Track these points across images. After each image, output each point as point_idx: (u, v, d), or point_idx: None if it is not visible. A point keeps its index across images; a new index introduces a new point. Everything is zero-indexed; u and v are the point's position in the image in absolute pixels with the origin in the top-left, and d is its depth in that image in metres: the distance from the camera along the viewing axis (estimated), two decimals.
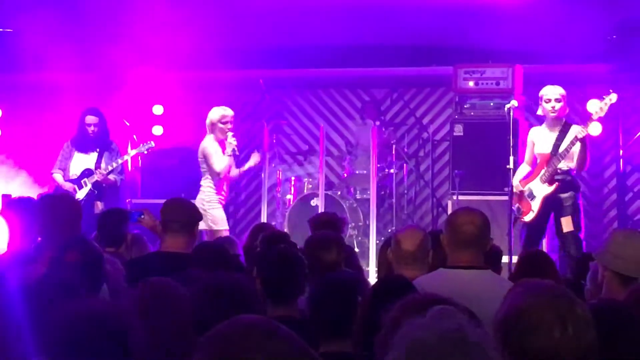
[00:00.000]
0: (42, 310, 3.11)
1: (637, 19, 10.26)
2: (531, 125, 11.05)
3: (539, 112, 9.02)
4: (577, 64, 10.63)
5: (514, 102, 9.14)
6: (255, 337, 1.66)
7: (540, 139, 8.94)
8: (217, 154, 9.22)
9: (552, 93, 8.88)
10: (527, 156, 9.08)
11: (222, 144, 9.26)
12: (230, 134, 9.25)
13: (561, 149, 8.74)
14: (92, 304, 2.88)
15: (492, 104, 10.17)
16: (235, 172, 9.54)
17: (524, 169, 9.03)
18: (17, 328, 3.24)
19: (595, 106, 8.72)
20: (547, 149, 8.85)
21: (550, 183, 8.78)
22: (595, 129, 9.54)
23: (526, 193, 8.91)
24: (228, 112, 9.40)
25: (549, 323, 2.62)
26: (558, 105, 8.83)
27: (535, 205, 8.84)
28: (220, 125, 9.29)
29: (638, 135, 11.07)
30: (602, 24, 10.17)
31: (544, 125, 8.99)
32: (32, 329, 3.16)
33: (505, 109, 9.14)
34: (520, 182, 8.93)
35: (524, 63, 10.29)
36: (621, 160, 11.13)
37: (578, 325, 2.63)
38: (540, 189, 8.83)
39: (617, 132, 10.96)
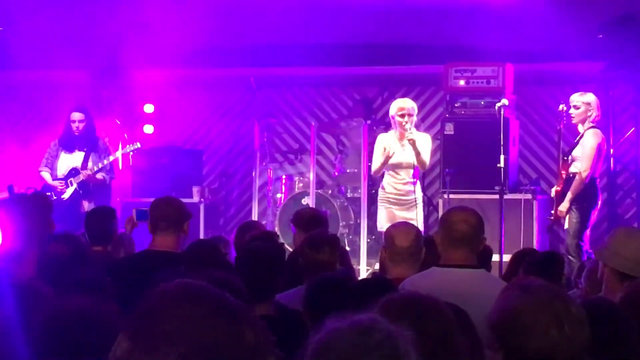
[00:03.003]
0: (31, 309, 3.10)
1: (627, 17, 10.26)
2: (522, 124, 11.09)
3: None
4: (568, 63, 10.64)
5: (504, 101, 9.14)
6: (169, 303, 1.64)
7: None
8: (376, 152, 9.11)
9: (572, 99, 8.89)
10: None
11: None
12: (408, 125, 8.92)
13: (573, 153, 8.77)
14: (78, 301, 2.87)
15: (482, 102, 10.16)
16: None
17: None
18: (6, 327, 3.23)
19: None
20: (566, 153, 8.91)
21: (559, 186, 8.83)
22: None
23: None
24: (405, 103, 9.12)
25: (546, 323, 2.64)
26: (574, 112, 8.82)
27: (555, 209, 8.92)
28: (398, 119, 9.02)
29: (629, 133, 11.08)
30: (592, 22, 10.18)
31: None
32: (21, 328, 3.14)
33: (496, 107, 9.14)
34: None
35: (514, 62, 10.29)
36: (612, 158, 11.14)
37: (574, 324, 2.65)
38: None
39: (607, 131, 10.96)
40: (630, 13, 10.22)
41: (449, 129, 10.26)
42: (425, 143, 9.10)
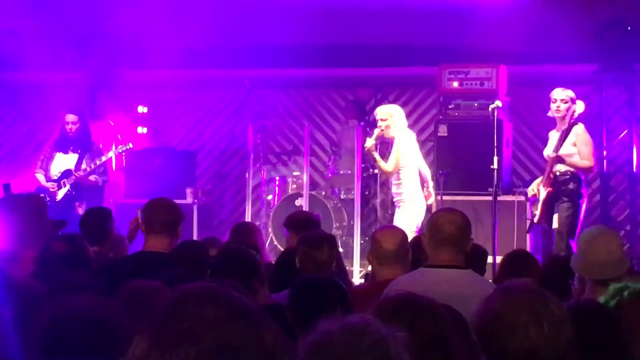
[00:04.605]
0: (28, 310, 3.09)
1: (620, 19, 10.29)
2: (515, 126, 11.10)
3: (549, 113, 8.97)
4: (561, 64, 10.65)
5: (498, 103, 9.14)
6: (190, 303, 1.65)
7: (550, 141, 8.93)
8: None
9: (558, 94, 8.83)
10: None
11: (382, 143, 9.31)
12: (375, 130, 9.18)
13: (562, 151, 8.73)
14: (78, 300, 2.86)
15: (476, 104, 10.17)
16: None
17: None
18: (3, 327, 3.22)
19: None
20: (549, 151, 8.84)
21: (546, 187, 8.75)
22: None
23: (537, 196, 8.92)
24: (379, 108, 9.38)
25: (524, 323, 2.66)
26: (563, 106, 8.77)
27: (538, 208, 8.86)
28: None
29: (622, 135, 11.10)
30: (586, 25, 10.19)
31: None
32: (18, 330, 3.14)
33: (490, 109, 9.14)
34: (537, 184, 8.93)
35: (508, 63, 10.30)
36: (605, 161, 11.15)
37: (554, 323, 2.66)
38: (541, 193, 8.83)
39: (601, 133, 10.99)
40: (623, 15, 10.25)
41: (443, 130, 10.28)
42: (394, 148, 9.14)
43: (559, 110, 8.78)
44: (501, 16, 9.96)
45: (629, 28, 10.28)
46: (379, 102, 12.08)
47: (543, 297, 2.73)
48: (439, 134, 10.32)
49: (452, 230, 4.48)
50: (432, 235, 4.54)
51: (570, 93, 8.84)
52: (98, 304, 2.86)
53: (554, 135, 8.94)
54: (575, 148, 8.72)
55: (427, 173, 9.51)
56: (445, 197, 9.77)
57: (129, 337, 1.68)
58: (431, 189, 9.47)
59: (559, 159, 8.67)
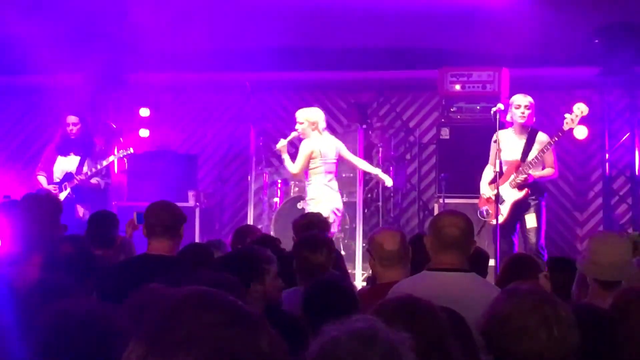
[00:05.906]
0: (32, 313, 3.10)
1: (622, 23, 10.29)
2: None
3: (508, 118, 9.04)
4: (563, 67, 10.65)
5: (500, 106, 9.14)
6: (190, 308, 1.64)
7: (507, 144, 8.94)
8: None
9: (522, 100, 8.97)
10: (492, 159, 9.01)
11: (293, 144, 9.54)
12: (293, 133, 9.41)
13: (530, 156, 8.83)
14: (79, 304, 2.86)
15: (478, 107, 10.18)
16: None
17: (490, 172, 9.01)
18: (5, 330, 3.23)
19: (567, 118, 8.74)
20: (515, 155, 8.91)
21: (520, 189, 8.84)
22: (581, 133, 9.55)
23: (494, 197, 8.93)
24: (296, 113, 9.53)
25: (535, 326, 2.67)
26: (527, 112, 8.93)
27: (505, 209, 8.87)
28: None
29: (624, 138, 11.09)
30: (588, 27, 10.20)
31: (510, 130, 9.03)
32: (20, 332, 3.14)
33: (492, 112, 9.15)
34: (489, 185, 8.96)
35: (510, 66, 10.30)
36: (607, 163, 11.15)
37: (563, 327, 2.67)
38: (510, 194, 8.88)
39: (603, 136, 10.99)
40: (626, 19, 10.25)
41: (445, 133, 10.28)
42: (300, 150, 9.38)
43: (524, 117, 8.90)
44: (503, 19, 9.95)
45: (630, 31, 10.27)
46: (381, 105, 12.10)
47: (552, 301, 2.74)
48: (441, 137, 10.32)
49: (455, 233, 4.46)
50: (435, 238, 4.51)
51: (530, 99, 8.99)
52: (97, 307, 2.86)
53: (508, 137, 8.96)
54: (545, 154, 8.85)
55: (365, 166, 9.66)
56: (447, 200, 9.78)
57: (128, 341, 1.68)
58: (380, 174, 9.64)
59: (530, 178, 8.82)
